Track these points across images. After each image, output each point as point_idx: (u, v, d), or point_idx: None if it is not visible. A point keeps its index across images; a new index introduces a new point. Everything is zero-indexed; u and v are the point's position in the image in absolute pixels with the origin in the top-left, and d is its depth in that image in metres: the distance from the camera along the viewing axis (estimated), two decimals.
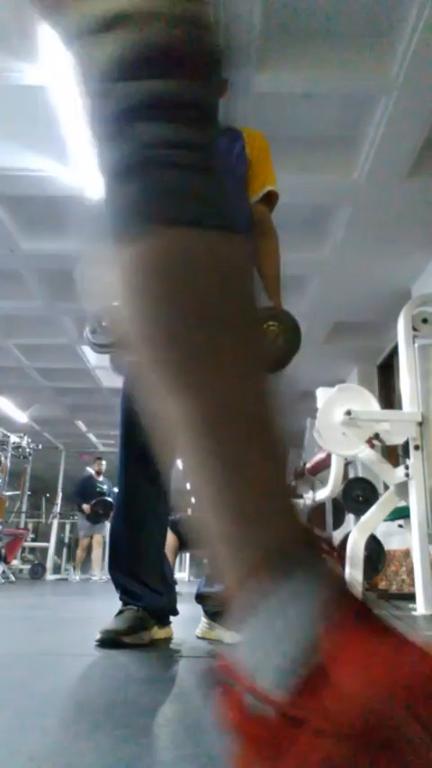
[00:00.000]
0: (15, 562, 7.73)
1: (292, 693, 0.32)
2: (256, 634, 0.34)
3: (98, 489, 8.16)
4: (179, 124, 0.40)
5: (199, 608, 1.75)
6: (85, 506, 7.98)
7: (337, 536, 5.30)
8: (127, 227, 0.40)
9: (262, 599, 0.34)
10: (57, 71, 2.99)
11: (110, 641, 1.44)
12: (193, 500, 0.39)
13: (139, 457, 1.66)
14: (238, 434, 0.36)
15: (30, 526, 9.58)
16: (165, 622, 1.66)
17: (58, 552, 9.52)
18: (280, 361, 1.67)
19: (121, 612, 1.58)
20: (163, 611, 1.64)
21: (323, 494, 4.44)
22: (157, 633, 1.61)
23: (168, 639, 1.66)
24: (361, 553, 3.31)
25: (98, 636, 1.47)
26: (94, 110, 0.41)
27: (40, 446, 8.87)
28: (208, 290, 0.37)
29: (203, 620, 1.73)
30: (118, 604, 1.63)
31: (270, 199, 1.81)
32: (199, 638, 1.71)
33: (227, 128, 1.85)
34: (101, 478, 8.41)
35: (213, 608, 1.68)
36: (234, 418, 0.36)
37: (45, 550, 8.99)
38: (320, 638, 0.32)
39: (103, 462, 8.64)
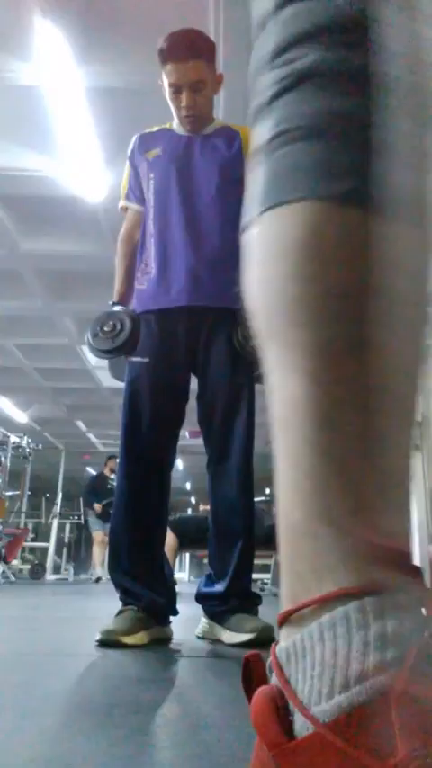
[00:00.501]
0: (15, 562, 7.73)
1: (336, 717, 0.30)
2: (318, 645, 0.32)
3: (109, 487, 8.14)
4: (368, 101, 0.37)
5: (199, 608, 1.75)
6: (96, 505, 7.96)
7: None
8: (307, 191, 0.36)
9: (344, 619, 0.31)
10: (55, 71, 2.99)
11: (110, 642, 1.43)
12: (279, 487, 0.37)
13: (139, 457, 1.66)
14: (354, 436, 0.34)
15: (30, 526, 9.57)
16: (165, 622, 1.64)
17: (58, 552, 9.52)
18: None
19: (120, 612, 1.56)
20: (163, 610, 1.62)
21: None
22: (157, 633, 1.59)
23: (168, 639, 1.64)
24: None
25: (98, 636, 1.45)
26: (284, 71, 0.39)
27: (40, 446, 8.87)
28: (382, 287, 0.35)
29: (203, 619, 1.72)
30: (117, 604, 1.63)
31: None
32: (199, 637, 1.71)
33: (223, 126, 1.85)
34: (112, 476, 8.41)
35: (213, 608, 1.66)
36: (356, 418, 0.34)
37: (45, 550, 8.99)
38: (391, 675, 0.29)
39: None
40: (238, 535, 1.63)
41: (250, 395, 1.67)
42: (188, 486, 14.91)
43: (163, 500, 1.69)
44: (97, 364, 7.45)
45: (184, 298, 1.64)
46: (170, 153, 1.76)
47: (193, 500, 16.06)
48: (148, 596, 1.57)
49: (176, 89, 1.71)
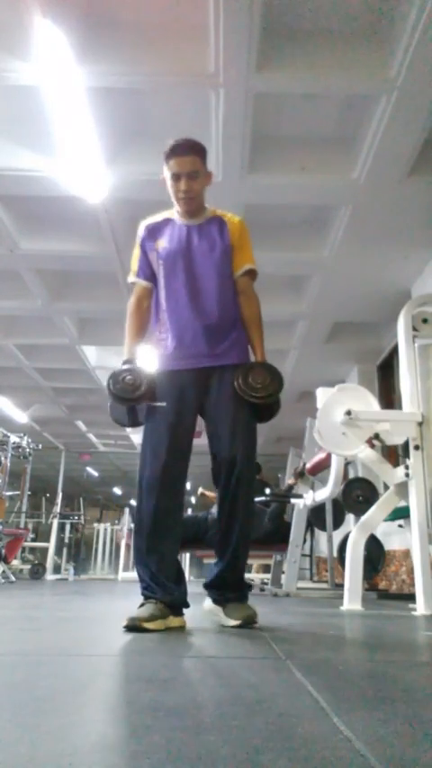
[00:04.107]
0: (15, 562, 7.72)
1: None
2: None
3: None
4: None
5: (199, 607, 1.94)
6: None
7: (336, 536, 5.30)
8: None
9: None
10: (55, 71, 2.99)
11: (134, 626, 1.78)
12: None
13: (158, 479, 2.00)
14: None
15: (30, 526, 9.56)
16: (178, 613, 1.98)
17: (58, 552, 9.52)
18: (269, 405, 2.11)
19: (143, 605, 1.92)
20: (176, 603, 1.97)
21: (323, 494, 4.43)
22: (173, 622, 1.93)
23: (182, 627, 1.96)
24: (361, 553, 3.31)
25: (125, 622, 1.79)
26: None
27: (40, 446, 8.86)
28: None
29: (208, 600, 2.13)
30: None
31: (251, 273, 2.24)
32: (206, 610, 2.12)
33: (213, 215, 2.23)
34: None
35: (215, 596, 2.09)
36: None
37: (45, 550, 8.99)
38: None
39: None
40: (231, 543, 2.05)
41: (251, 429, 2.08)
42: (188, 485, 14.89)
43: (178, 513, 2.09)
44: (97, 364, 7.45)
45: (193, 362, 2.10)
46: (174, 243, 2.17)
47: (192, 500, 16.07)
48: (164, 592, 1.93)
49: (176, 177, 2.10)
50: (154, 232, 2.21)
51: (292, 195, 4.11)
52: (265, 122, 3.57)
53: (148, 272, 2.21)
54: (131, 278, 2.25)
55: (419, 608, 2.92)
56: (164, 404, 2.04)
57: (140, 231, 2.25)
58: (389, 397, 6.55)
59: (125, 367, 2.09)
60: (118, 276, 5.14)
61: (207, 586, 2.13)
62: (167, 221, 2.23)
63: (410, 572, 5.00)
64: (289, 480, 5.71)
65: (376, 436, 3.47)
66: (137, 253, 2.25)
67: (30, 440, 8.49)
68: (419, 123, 3.38)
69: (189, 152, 2.10)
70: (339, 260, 4.80)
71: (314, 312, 5.77)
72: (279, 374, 2.09)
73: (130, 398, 2.06)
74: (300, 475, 5.24)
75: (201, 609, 2.14)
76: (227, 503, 2.05)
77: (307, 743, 0.68)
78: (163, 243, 2.18)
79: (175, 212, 2.23)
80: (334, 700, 0.91)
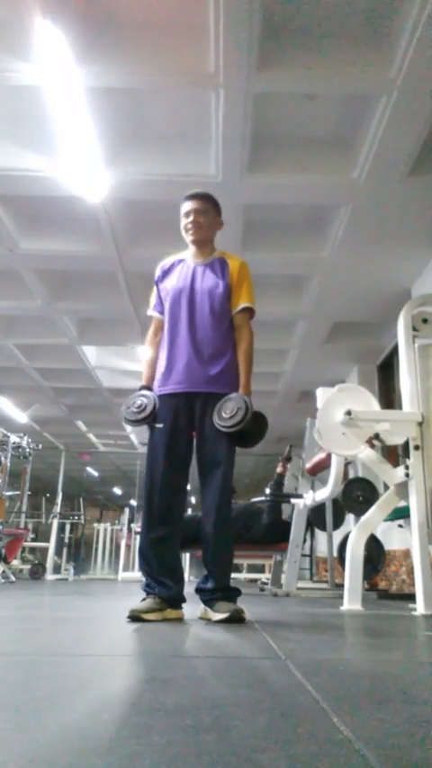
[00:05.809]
0: (15, 562, 7.72)
1: None
2: None
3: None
4: None
5: (199, 606, 2.05)
6: None
7: (337, 536, 5.30)
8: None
9: None
10: (55, 71, 2.99)
11: (135, 617, 2.11)
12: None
13: (159, 490, 2.30)
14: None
15: (30, 526, 9.56)
16: (175, 606, 2.28)
17: (58, 552, 9.51)
18: (240, 433, 2.28)
19: (144, 599, 2.23)
20: (172, 599, 2.26)
21: (323, 494, 4.43)
22: (170, 614, 2.23)
23: (179, 619, 2.24)
24: (361, 553, 3.31)
25: (128, 614, 2.11)
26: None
27: (40, 446, 8.85)
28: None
29: (201, 606, 2.31)
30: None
31: (248, 310, 2.47)
32: (200, 618, 2.28)
33: (220, 256, 2.52)
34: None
35: (206, 597, 2.28)
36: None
37: (45, 550, 8.99)
38: None
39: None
40: (211, 552, 2.29)
41: (229, 454, 2.33)
42: (188, 486, 14.89)
43: (178, 518, 2.37)
44: (97, 364, 7.45)
45: (186, 387, 2.37)
46: (181, 282, 2.47)
47: (193, 500, 16.10)
48: (161, 589, 2.23)
49: (187, 214, 2.47)
50: (167, 272, 2.55)
51: (292, 195, 4.11)
52: (265, 122, 3.56)
53: (161, 308, 2.54)
54: (149, 311, 2.60)
55: (419, 608, 2.91)
56: (161, 425, 2.35)
57: (157, 271, 2.59)
58: (389, 397, 6.55)
59: (138, 393, 2.43)
60: (118, 276, 5.14)
61: (198, 590, 2.33)
62: (179, 261, 2.56)
63: (410, 572, 4.99)
64: (278, 469, 5.69)
65: (376, 436, 3.47)
66: (154, 290, 2.59)
67: (30, 440, 8.48)
68: (419, 123, 3.38)
69: (200, 197, 2.49)
70: (339, 260, 4.80)
71: (314, 312, 5.77)
72: (247, 406, 2.27)
73: (135, 420, 2.37)
74: (287, 459, 5.22)
75: (196, 620, 2.22)
76: (205, 508, 2.31)
77: (307, 743, 0.68)
78: (172, 281, 2.49)
79: (188, 253, 2.55)
80: (334, 700, 0.91)
